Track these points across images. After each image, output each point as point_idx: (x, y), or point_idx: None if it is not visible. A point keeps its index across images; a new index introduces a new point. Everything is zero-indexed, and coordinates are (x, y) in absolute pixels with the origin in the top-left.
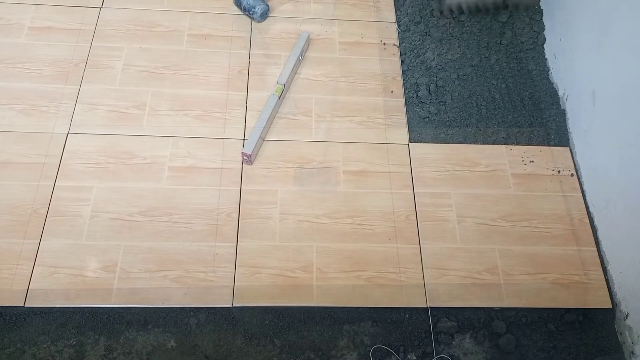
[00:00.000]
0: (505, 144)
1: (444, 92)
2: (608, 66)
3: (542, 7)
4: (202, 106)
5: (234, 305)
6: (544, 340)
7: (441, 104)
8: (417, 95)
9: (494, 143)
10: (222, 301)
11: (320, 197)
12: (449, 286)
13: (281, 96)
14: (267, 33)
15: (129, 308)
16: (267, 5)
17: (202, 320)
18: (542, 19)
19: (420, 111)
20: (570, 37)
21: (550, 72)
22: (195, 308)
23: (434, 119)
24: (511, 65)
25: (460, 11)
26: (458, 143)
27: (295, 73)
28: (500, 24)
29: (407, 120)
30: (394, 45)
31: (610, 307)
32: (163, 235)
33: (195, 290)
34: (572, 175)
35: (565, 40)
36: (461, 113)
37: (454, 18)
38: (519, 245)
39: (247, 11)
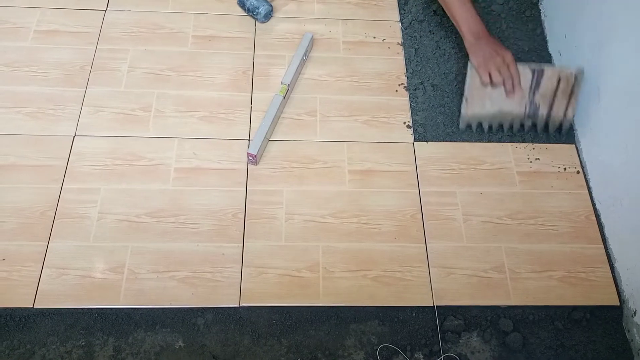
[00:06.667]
0: (510, 142)
1: (449, 90)
2: (613, 63)
3: (540, 6)
4: (207, 107)
5: (241, 305)
6: (551, 338)
7: (446, 102)
8: (422, 93)
9: (499, 141)
10: (229, 301)
11: (325, 197)
12: (455, 285)
13: (286, 96)
14: (271, 34)
15: (136, 309)
16: (271, 6)
17: (209, 321)
18: (540, 16)
19: (425, 110)
20: (574, 34)
21: None
22: (203, 308)
23: (439, 118)
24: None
25: (480, 129)
26: (463, 141)
27: (300, 73)
28: (502, 22)
29: (412, 119)
30: (398, 44)
31: (618, 304)
32: (170, 236)
33: (202, 291)
34: (578, 172)
35: (570, 38)
36: None
37: (470, 132)
38: (526, 243)
39: (251, 12)
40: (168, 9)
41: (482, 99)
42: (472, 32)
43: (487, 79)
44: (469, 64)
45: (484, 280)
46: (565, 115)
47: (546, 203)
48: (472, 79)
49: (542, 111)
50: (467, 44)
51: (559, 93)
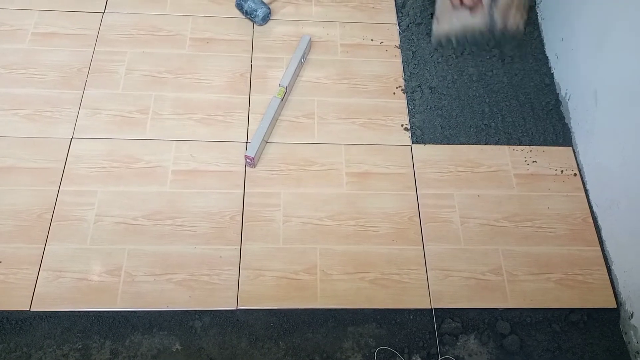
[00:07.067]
0: (507, 145)
1: (446, 93)
2: (610, 65)
3: (536, 10)
4: (205, 110)
5: (239, 307)
6: (549, 340)
7: (443, 104)
8: (419, 96)
9: (496, 144)
10: (226, 304)
11: (323, 199)
12: (452, 287)
13: (283, 99)
14: (268, 36)
15: (134, 311)
16: (269, 9)
17: (206, 323)
18: (537, 19)
19: (422, 112)
20: (571, 37)
21: (552, 72)
22: (200, 311)
23: (437, 120)
24: (513, 66)
25: (450, 44)
26: (460, 144)
27: (297, 76)
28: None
29: (409, 122)
30: (396, 46)
31: (615, 306)
32: (167, 238)
33: (199, 293)
34: (575, 175)
35: (567, 41)
36: (464, 114)
37: (442, 50)
38: (523, 245)
39: (249, 14)
40: (166, 12)
41: (449, 18)
42: None
43: (458, 1)
44: None
45: (481, 283)
46: (517, 27)
47: (543, 205)
48: (442, 2)
49: (499, 23)
50: None
51: (512, 7)
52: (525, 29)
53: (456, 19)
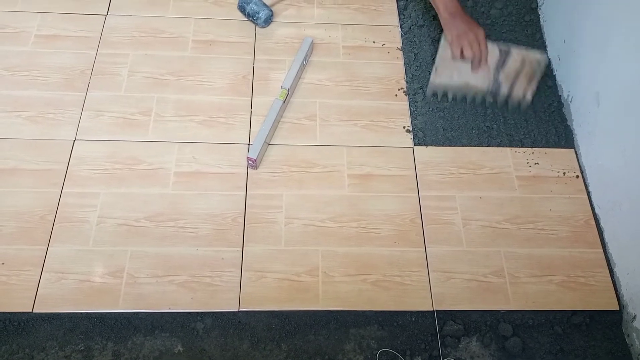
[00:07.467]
0: (509, 146)
1: (448, 95)
2: (612, 67)
3: (539, 12)
4: (207, 112)
5: (240, 309)
6: (551, 342)
7: (445, 106)
8: (421, 98)
9: (498, 145)
10: (228, 306)
11: (325, 201)
12: (454, 289)
13: (285, 101)
14: (271, 38)
15: (136, 313)
16: (271, 11)
17: (208, 325)
18: (539, 21)
19: (424, 114)
20: (573, 39)
21: (554, 73)
22: (202, 313)
23: (438, 122)
24: None
25: (445, 98)
26: (462, 146)
27: (299, 78)
28: (501, 27)
29: (411, 124)
30: (398, 49)
31: (618, 309)
32: (169, 240)
33: (201, 295)
34: (577, 176)
35: (569, 42)
36: (465, 116)
37: (436, 100)
38: (525, 247)
39: (251, 17)
40: (168, 14)
41: (450, 71)
42: (448, 9)
43: (458, 53)
44: (442, 38)
45: (483, 285)
46: (524, 96)
47: (545, 207)
48: (443, 52)
49: (504, 89)
50: (442, 21)
51: (521, 75)
52: (532, 99)
53: (457, 74)
